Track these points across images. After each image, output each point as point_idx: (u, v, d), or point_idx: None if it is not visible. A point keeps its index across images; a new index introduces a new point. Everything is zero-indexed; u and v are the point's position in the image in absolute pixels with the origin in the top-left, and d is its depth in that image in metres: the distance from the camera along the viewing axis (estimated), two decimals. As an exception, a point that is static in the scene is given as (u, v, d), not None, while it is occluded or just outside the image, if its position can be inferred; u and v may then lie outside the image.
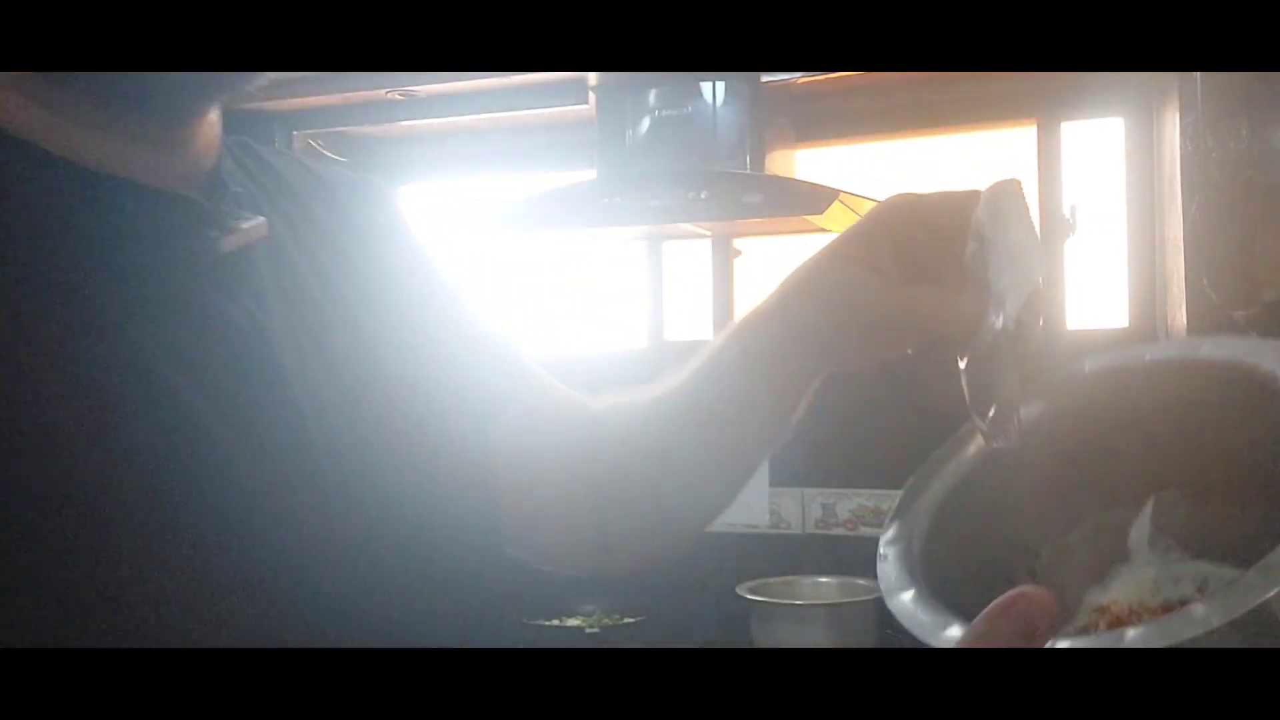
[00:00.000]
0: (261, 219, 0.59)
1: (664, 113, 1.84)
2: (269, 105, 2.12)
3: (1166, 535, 0.54)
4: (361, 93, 2.06)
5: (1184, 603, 0.50)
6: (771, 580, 1.89)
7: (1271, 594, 0.39)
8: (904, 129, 2.06)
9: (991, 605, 0.42)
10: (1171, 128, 1.78)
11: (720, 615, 1.94)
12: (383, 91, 2.05)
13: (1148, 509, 0.55)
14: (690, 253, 2.22)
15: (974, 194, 0.62)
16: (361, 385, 0.61)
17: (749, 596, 1.82)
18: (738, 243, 2.17)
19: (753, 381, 0.69)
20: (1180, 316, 1.76)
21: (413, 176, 2.42)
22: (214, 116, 0.60)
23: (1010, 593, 0.42)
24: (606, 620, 2.00)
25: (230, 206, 0.59)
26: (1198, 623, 0.40)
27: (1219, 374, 0.55)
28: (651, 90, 1.84)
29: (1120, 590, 0.52)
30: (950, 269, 0.61)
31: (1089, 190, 1.99)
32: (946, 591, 0.50)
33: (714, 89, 1.82)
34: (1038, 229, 0.62)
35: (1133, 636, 0.42)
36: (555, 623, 1.97)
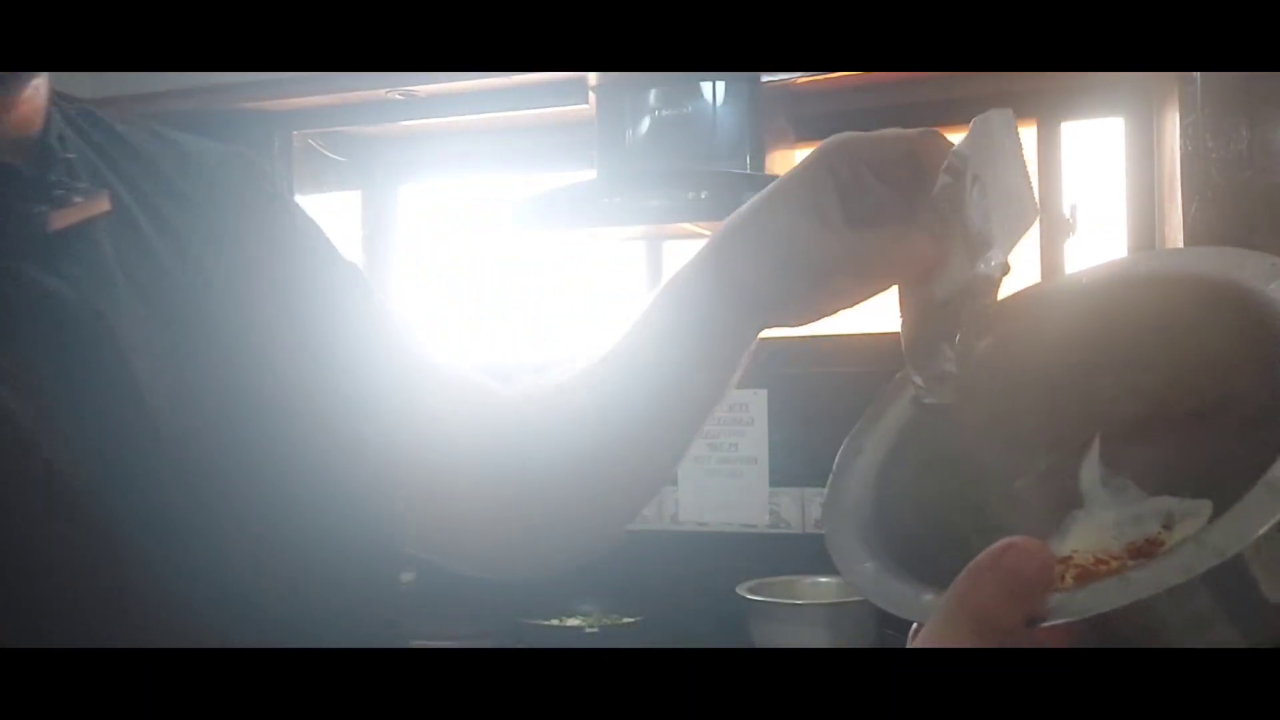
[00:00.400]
0: (103, 191, 0.54)
1: (664, 113, 1.84)
2: (269, 105, 2.12)
3: (1120, 474, 0.49)
4: (361, 93, 2.06)
5: (1151, 542, 0.46)
6: (771, 580, 1.89)
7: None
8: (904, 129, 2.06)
9: (979, 557, 0.39)
10: (1171, 128, 1.78)
11: (720, 615, 1.94)
12: (383, 91, 2.05)
13: (1094, 448, 0.50)
14: (690, 253, 2.21)
15: (928, 133, 0.58)
16: (233, 379, 0.55)
17: (749, 596, 1.82)
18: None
19: (687, 343, 0.64)
20: (1180, 316, 1.76)
21: (413, 176, 2.42)
22: (40, 80, 0.54)
23: (999, 544, 0.38)
24: (606, 620, 2.00)
25: (62, 177, 0.53)
26: (1212, 552, 0.36)
27: (1164, 289, 0.50)
28: (651, 90, 1.84)
29: (1080, 539, 0.48)
30: (898, 211, 0.58)
31: (1089, 190, 1.99)
32: (905, 557, 0.46)
33: (714, 89, 1.82)
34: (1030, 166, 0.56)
35: (1138, 578, 0.37)
36: (555, 623, 1.97)
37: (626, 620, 2.00)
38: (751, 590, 1.84)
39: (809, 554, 2.00)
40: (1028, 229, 0.56)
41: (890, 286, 0.58)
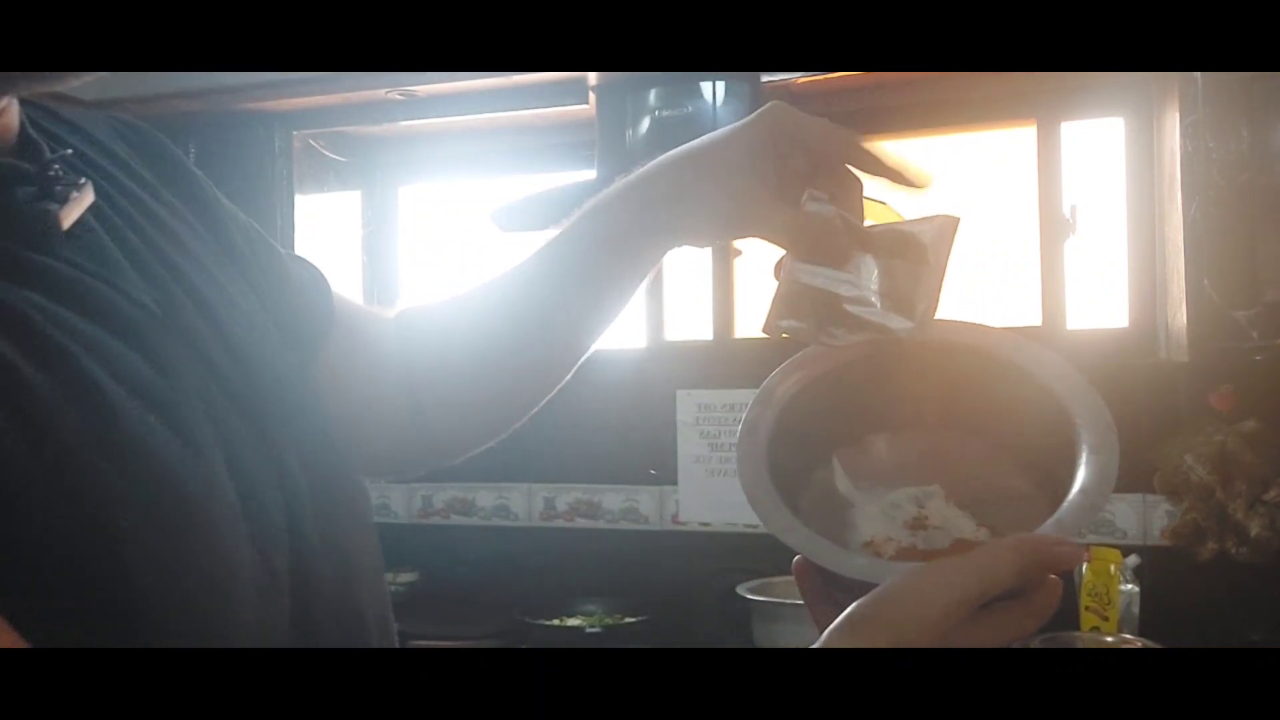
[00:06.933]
0: (85, 180, 0.53)
1: (664, 113, 1.83)
2: (269, 105, 2.12)
3: (863, 479, 0.61)
4: (361, 93, 2.06)
5: (919, 519, 0.57)
6: (773, 580, 1.89)
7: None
8: (904, 129, 2.06)
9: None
10: (1171, 128, 1.78)
11: (721, 615, 1.94)
12: (383, 91, 2.05)
13: (836, 464, 0.61)
14: (690, 253, 2.21)
15: (850, 133, 0.65)
16: (226, 337, 0.56)
17: (750, 596, 1.82)
18: (738, 243, 2.17)
19: (599, 258, 0.72)
20: (1180, 316, 1.76)
21: (413, 176, 2.42)
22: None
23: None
24: (607, 620, 2.00)
25: (51, 171, 0.52)
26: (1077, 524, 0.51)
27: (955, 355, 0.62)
28: (651, 90, 1.84)
29: (868, 528, 0.58)
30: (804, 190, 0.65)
31: (1089, 190, 1.99)
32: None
33: (714, 89, 1.82)
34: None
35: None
36: (555, 623, 1.98)
37: (628, 620, 2.00)
38: (753, 590, 1.84)
39: (809, 554, 2.00)
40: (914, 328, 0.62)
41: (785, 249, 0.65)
